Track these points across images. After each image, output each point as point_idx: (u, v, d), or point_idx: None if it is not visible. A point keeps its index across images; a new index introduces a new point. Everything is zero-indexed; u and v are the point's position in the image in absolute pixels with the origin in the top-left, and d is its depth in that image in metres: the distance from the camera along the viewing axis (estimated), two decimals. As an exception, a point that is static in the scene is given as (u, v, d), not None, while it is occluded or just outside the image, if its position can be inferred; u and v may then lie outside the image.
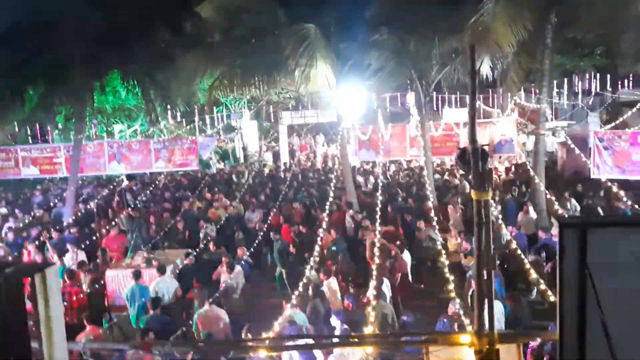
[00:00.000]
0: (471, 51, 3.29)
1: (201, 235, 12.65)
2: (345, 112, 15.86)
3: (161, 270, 9.90)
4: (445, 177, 18.57)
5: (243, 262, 10.76)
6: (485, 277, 3.01)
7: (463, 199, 14.14)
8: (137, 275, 9.67)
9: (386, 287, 9.15)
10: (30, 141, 19.13)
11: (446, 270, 8.59)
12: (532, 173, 13.82)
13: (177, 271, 10.66)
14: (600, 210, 12.93)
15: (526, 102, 19.70)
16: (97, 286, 10.01)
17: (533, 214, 12.87)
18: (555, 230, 10.60)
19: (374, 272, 8.57)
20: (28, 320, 2.60)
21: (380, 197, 11.34)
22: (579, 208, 13.30)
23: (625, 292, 2.76)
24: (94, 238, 12.51)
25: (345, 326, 7.50)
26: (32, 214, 15.11)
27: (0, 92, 15.58)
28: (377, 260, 9.27)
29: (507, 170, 19.42)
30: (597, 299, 2.75)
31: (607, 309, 2.77)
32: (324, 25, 13.13)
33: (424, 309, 9.72)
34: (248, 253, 11.25)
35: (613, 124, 15.17)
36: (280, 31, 13.40)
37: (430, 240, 11.48)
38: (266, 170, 23.23)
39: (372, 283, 8.49)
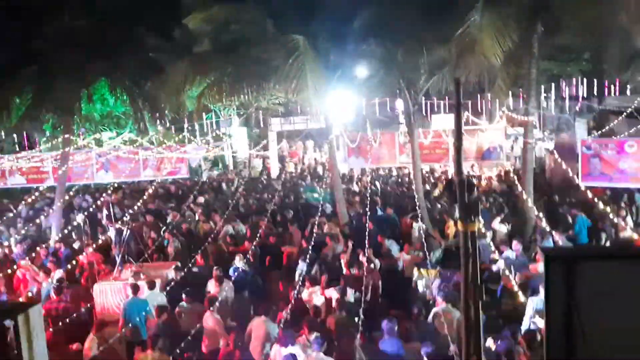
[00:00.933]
0: (456, 85, 3.30)
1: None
2: (334, 119, 15.88)
3: (151, 286, 9.83)
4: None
5: (241, 269, 10.65)
6: (474, 311, 3.02)
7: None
8: (135, 289, 9.57)
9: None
10: (17, 150, 18.95)
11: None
12: (516, 181, 13.90)
13: (166, 286, 10.56)
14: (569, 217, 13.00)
15: (514, 109, 19.86)
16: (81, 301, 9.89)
17: (502, 227, 12.86)
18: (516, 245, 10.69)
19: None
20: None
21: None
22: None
23: (613, 325, 2.77)
24: (82, 252, 12.38)
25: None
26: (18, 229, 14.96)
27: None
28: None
29: (496, 177, 19.51)
30: (583, 332, 2.76)
31: (594, 343, 2.79)
32: (312, 36, 13.15)
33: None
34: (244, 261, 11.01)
35: (600, 131, 15.30)
36: (269, 42, 13.40)
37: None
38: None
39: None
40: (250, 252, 11.24)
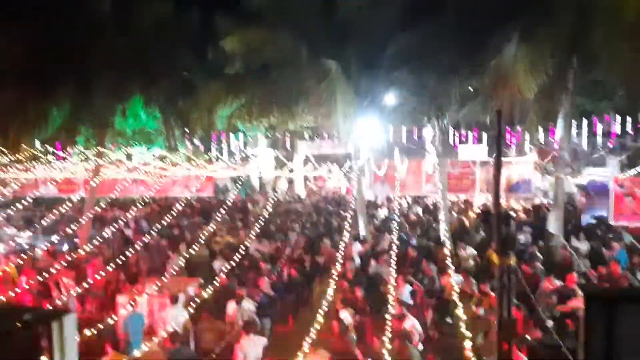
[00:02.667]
0: (497, 116, 3.28)
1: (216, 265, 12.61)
2: (362, 145, 15.90)
3: (174, 300, 9.86)
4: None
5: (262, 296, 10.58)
6: (508, 345, 2.94)
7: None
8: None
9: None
10: (51, 161, 19.42)
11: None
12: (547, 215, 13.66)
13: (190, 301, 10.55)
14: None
15: (545, 143, 19.61)
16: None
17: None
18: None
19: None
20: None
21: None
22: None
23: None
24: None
25: None
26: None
27: (26, 111, 15.89)
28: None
29: (525, 211, 19.19)
30: (623, 376, 2.66)
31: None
32: (344, 61, 13.27)
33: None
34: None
35: (634, 170, 14.98)
36: (301, 66, 13.56)
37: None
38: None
39: None
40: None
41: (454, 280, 10.88)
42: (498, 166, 3.22)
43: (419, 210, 19.94)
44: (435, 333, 9.87)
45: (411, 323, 8.68)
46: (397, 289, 10.29)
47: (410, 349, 7.94)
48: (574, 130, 24.45)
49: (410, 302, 9.93)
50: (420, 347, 7.92)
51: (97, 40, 15.83)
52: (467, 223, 16.51)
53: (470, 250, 12.73)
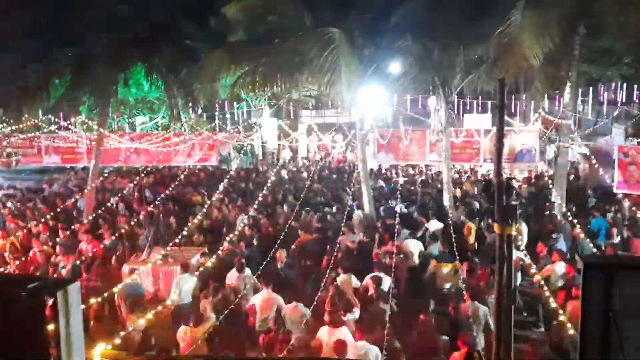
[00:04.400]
0: (500, 86, 3.24)
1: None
2: (366, 114, 15.80)
3: (185, 269, 10.00)
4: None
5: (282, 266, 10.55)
6: (505, 317, 2.98)
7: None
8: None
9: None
10: (54, 130, 19.44)
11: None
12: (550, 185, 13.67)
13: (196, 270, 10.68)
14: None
15: (550, 112, 19.43)
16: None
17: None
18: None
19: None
20: (48, 337, 2.64)
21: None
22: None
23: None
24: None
25: None
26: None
27: (27, 81, 15.83)
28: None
29: (526, 180, 19.16)
30: (621, 345, 2.69)
31: (630, 353, 2.72)
32: (348, 30, 13.06)
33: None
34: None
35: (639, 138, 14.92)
36: (304, 34, 13.37)
37: None
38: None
39: None
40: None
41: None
42: (500, 136, 3.20)
43: (420, 179, 19.92)
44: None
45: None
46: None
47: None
48: (579, 99, 24.27)
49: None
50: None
51: (97, 7, 15.66)
52: (458, 193, 16.50)
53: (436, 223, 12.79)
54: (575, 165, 20.67)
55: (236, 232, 11.67)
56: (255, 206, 13.43)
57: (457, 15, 12.22)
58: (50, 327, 2.72)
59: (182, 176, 15.83)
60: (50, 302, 2.69)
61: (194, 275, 9.99)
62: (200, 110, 26.29)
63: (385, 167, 21.52)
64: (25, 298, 2.66)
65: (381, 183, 18.98)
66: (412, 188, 17.86)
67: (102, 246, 11.50)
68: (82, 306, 3.33)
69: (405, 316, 8.33)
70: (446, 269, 10.18)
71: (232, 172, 16.67)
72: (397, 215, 11.86)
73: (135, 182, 14.72)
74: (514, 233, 3.10)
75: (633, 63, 25.35)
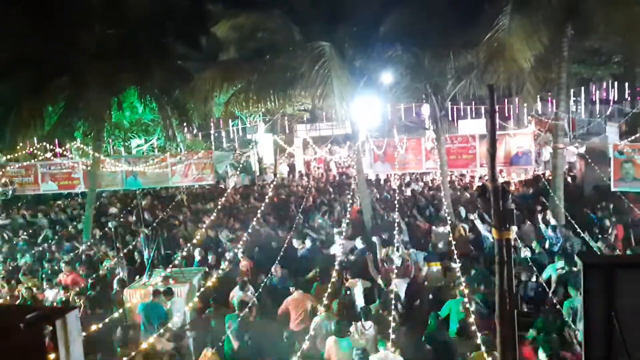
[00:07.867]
0: (490, 92, 3.25)
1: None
2: (360, 125, 15.84)
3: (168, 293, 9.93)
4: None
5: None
6: (508, 319, 2.96)
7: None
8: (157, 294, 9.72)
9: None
10: (49, 157, 19.41)
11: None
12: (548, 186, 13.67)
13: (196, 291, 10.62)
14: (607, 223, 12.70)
15: (543, 113, 19.52)
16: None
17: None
18: None
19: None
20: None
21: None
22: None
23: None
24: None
25: None
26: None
27: (21, 109, 15.83)
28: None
29: (522, 182, 19.18)
30: (624, 343, 2.68)
31: (633, 351, 2.70)
32: (338, 42, 13.14)
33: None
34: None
35: (633, 137, 14.92)
36: (295, 49, 13.45)
37: None
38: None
39: None
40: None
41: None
42: (493, 141, 3.20)
43: (418, 187, 19.91)
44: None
45: None
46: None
47: None
48: (572, 99, 24.40)
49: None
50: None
51: (87, 32, 15.70)
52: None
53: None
54: (572, 165, 20.69)
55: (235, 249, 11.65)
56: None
57: (446, 22, 12.30)
58: (52, 356, 2.70)
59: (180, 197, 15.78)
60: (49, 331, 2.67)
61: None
62: (195, 130, 26.31)
63: (381, 177, 21.54)
64: (24, 329, 2.64)
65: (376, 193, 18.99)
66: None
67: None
68: (83, 333, 3.30)
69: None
70: (435, 267, 10.80)
71: (229, 190, 16.61)
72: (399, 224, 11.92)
73: (132, 205, 14.67)
74: (512, 237, 3.09)
75: (622, 61, 25.53)
